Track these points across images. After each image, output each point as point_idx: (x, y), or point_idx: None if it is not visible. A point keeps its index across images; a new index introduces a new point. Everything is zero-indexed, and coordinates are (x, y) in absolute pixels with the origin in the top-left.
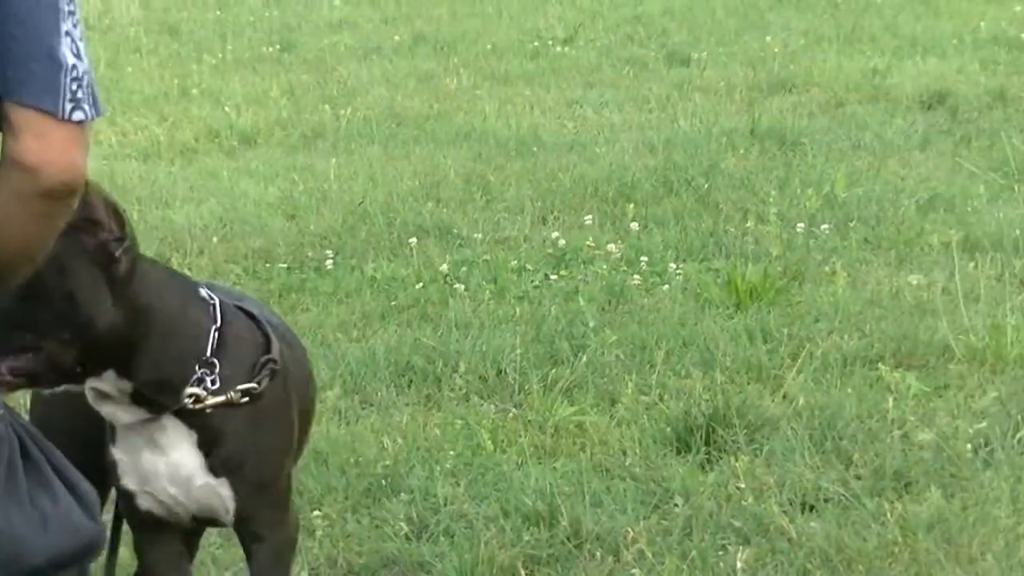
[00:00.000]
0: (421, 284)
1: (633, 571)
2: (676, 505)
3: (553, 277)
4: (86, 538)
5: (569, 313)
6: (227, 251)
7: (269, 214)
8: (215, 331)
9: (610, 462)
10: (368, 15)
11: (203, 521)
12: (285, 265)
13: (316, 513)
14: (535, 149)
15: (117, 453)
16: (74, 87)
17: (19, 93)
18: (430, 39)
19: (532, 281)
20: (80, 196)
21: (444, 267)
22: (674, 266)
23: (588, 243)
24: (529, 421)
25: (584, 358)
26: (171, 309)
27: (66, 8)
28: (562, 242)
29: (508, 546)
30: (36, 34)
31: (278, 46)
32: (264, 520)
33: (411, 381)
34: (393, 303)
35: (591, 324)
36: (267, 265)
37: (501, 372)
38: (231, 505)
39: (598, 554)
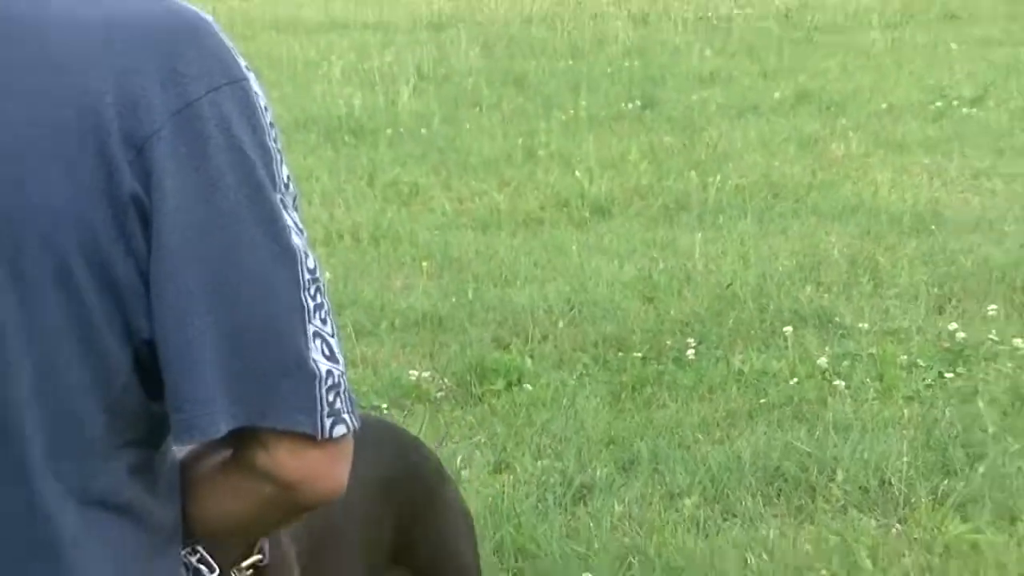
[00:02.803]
0: (796, 380)
1: None
2: None
3: (949, 375)
4: None
5: (966, 417)
6: (575, 337)
7: (623, 296)
8: None
9: None
10: (744, 68)
11: None
12: (640, 355)
13: None
14: (933, 227)
15: None
16: (331, 397)
17: (268, 419)
18: (815, 97)
19: (924, 379)
20: None
21: (823, 361)
22: None
23: (991, 337)
24: (915, 539)
25: (981, 469)
26: None
27: (311, 303)
28: (961, 335)
29: None
30: (279, 348)
31: (638, 102)
32: None
33: (780, 490)
34: (763, 400)
35: (991, 430)
36: (620, 354)
37: (884, 482)
38: None
39: None
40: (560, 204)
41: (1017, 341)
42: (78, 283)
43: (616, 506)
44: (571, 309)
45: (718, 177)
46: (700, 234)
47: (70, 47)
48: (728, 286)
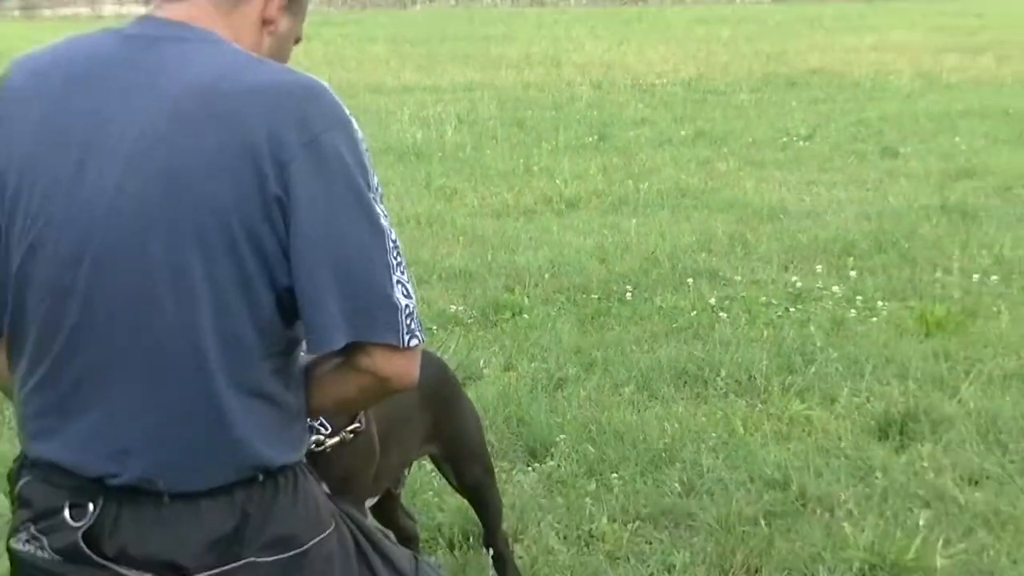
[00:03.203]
0: (695, 312)
1: (843, 524)
2: (877, 477)
3: (792, 310)
4: None
5: (802, 336)
6: (554, 285)
7: (586, 259)
8: None
9: (829, 445)
10: (663, 115)
11: None
12: (597, 296)
13: (614, 475)
14: (781, 216)
15: None
16: (408, 322)
17: (369, 335)
18: (707, 134)
19: (776, 312)
20: None
21: (712, 300)
22: (881, 303)
23: (818, 285)
24: (771, 414)
25: (812, 369)
26: None
27: (394, 262)
28: (799, 284)
29: (753, 503)
30: (376, 291)
31: (596, 136)
32: None
33: (685, 382)
34: (674, 325)
35: (818, 344)
36: (583, 296)
37: (751, 378)
38: None
39: (818, 511)
40: (547, 201)
41: (835, 288)
42: (241, 252)
43: (581, 392)
44: (553, 267)
45: (646, 184)
46: (635, 220)
47: (234, 103)
48: (652, 253)
